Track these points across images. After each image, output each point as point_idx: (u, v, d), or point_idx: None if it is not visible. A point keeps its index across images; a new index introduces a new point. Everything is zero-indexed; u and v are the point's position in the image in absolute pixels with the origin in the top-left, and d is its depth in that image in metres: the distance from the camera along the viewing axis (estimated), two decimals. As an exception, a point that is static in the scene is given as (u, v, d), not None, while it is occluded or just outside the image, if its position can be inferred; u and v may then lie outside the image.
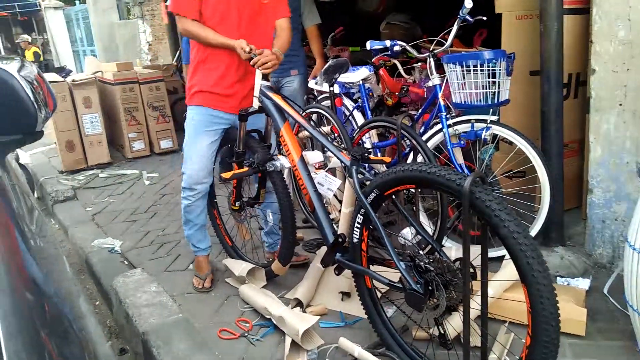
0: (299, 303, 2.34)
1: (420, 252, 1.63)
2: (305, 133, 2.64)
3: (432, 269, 1.56)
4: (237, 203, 2.53)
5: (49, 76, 5.32)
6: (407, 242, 1.77)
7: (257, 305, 2.33)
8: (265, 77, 2.20)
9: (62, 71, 10.63)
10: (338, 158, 1.91)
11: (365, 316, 2.22)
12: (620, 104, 2.20)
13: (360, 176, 1.80)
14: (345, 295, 2.38)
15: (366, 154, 1.82)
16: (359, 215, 1.82)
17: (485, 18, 2.44)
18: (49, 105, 1.41)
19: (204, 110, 2.39)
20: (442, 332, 1.76)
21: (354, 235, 1.86)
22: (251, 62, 2.15)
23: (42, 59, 14.72)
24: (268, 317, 2.25)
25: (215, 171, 2.63)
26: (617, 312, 2.15)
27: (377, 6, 6.04)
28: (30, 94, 1.29)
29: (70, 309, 0.98)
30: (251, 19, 2.31)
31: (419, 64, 3.49)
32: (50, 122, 5.14)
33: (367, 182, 1.79)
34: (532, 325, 1.39)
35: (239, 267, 2.57)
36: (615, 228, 2.40)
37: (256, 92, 2.22)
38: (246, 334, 2.20)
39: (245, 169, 2.21)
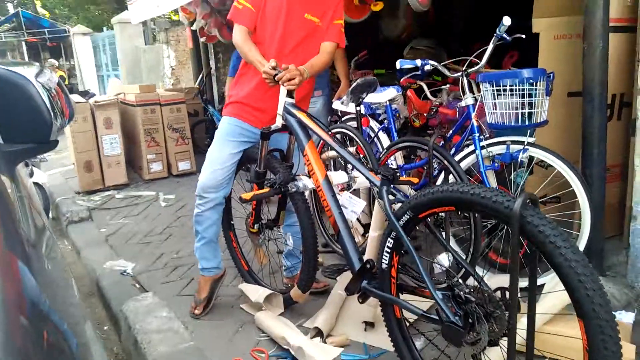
0: (318, 332, 2.18)
1: (460, 280, 1.47)
2: (329, 154, 2.52)
3: (473, 299, 1.40)
4: (255, 226, 2.40)
5: (73, 97, 5.35)
6: (444, 268, 1.60)
7: (274, 334, 2.18)
8: (290, 94, 2.10)
9: (86, 94, 10.78)
10: (368, 178, 1.77)
11: (392, 349, 2.05)
12: (671, 126, 2.04)
13: (391, 197, 1.66)
14: (369, 325, 2.21)
15: (398, 174, 1.68)
16: (389, 239, 1.67)
17: (523, 36, 2.32)
18: (65, 115, 1.34)
19: (234, 120, 2.38)
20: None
21: (383, 261, 1.71)
22: (275, 78, 2.07)
23: (67, 82, 15.06)
24: (286, 347, 2.08)
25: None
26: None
27: (401, 32, 5.98)
28: (47, 101, 1.21)
29: (75, 335, 0.88)
30: (302, 40, 2.29)
31: (447, 86, 3.38)
32: (70, 143, 5.14)
33: (399, 204, 1.65)
34: (591, 367, 1.21)
35: (256, 293, 2.42)
36: (663, 259, 2.21)
37: (280, 110, 2.12)
38: (262, 366, 2.04)
39: (266, 189, 2.09)
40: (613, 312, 1.18)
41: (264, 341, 2.22)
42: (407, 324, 1.82)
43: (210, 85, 6.58)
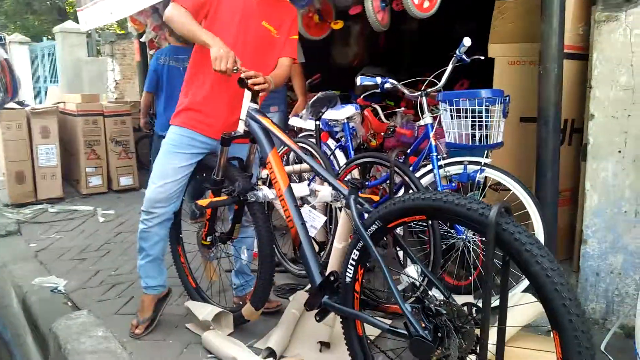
0: (271, 353, 2.05)
1: (430, 293, 1.41)
2: (289, 168, 2.45)
3: (444, 312, 1.35)
4: (208, 238, 2.26)
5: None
6: (413, 281, 1.55)
7: (223, 354, 2.03)
8: (254, 99, 2.02)
9: (21, 105, 10.19)
10: (335, 187, 1.71)
11: (349, 370, 1.96)
12: (620, 151, 2.13)
13: (359, 206, 1.60)
14: (325, 345, 2.11)
15: (365, 184, 1.62)
16: (354, 250, 1.60)
17: (483, 57, 2.38)
18: (8, 92, 1.21)
19: (183, 130, 2.20)
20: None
21: (347, 274, 1.63)
22: (242, 75, 1.96)
23: (-1, 93, 14.15)
24: (236, 369, 1.94)
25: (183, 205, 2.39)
26: (618, 373, 1.98)
27: (352, 59, 6.11)
28: None
29: (17, 345, 0.76)
30: (257, 48, 2.17)
31: (402, 109, 3.42)
32: (0, 151, 4.76)
33: (366, 215, 1.59)
34: (565, 381, 1.17)
35: (204, 311, 2.27)
36: (611, 281, 2.27)
37: (243, 115, 2.03)
38: (209, 390, 1.88)
39: (224, 197, 1.98)
40: (589, 325, 1.16)
41: (211, 363, 2.07)
42: (368, 341, 1.74)
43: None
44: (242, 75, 1.94)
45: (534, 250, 1.18)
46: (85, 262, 3.31)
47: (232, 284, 2.52)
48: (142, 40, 5.70)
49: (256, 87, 1.96)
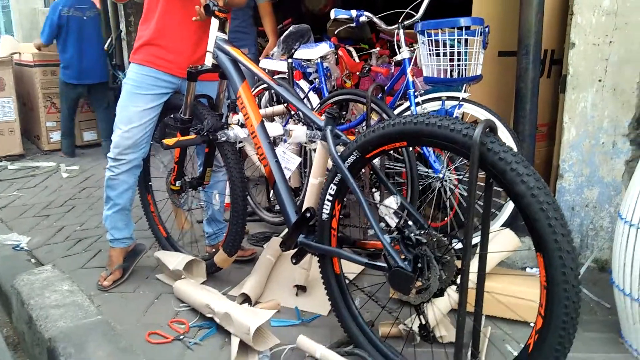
0: (246, 299, 1.99)
1: (410, 222, 1.34)
2: (261, 111, 2.31)
3: (424, 241, 1.28)
4: (177, 182, 2.14)
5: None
6: (391, 213, 1.47)
7: (196, 302, 1.95)
8: (222, 27, 1.86)
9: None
10: (310, 118, 1.60)
11: (326, 312, 1.92)
12: (600, 80, 2.07)
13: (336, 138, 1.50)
14: (301, 289, 2.06)
15: (343, 113, 1.52)
16: (331, 185, 1.51)
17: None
18: None
19: (143, 69, 2.04)
20: (425, 322, 1.48)
21: (324, 211, 1.55)
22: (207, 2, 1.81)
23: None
24: (210, 315, 1.87)
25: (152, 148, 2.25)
26: (592, 304, 2.01)
27: (323, 5, 5.90)
28: None
29: None
30: None
31: (377, 49, 3.29)
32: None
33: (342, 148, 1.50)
34: (547, 303, 1.13)
35: (175, 260, 2.17)
36: (585, 215, 2.26)
37: (210, 47, 1.87)
38: (182, 337, 1.81)
39: (193, 136, 1.84)
40: (574, 245, 1.11)
41: (184, 312, 1.99)
42: (347, 281, 1.68)
43: (120, 49, 5.99)
44: (207, 2, 1.79)
45: (519, 169, 1.11)
46: (49, 218, 3.16)
47: (204, 232, 2.43)
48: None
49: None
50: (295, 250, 1.71)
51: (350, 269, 1.97)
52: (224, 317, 1.78)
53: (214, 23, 1.85)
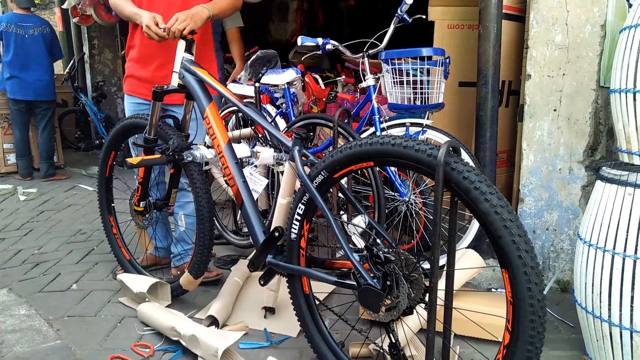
0: (213, 322, 1.96)
1: (378, 241, 1.37)
2: (228, 134, 2.32)
3: (393, 258, 1.31)
4: (141, 203, 2.11)
5: None
6: (357, 233, 1.50)
7: (162, 326, 1.90)
8: (188, 49, 1.88)
9: None
10: (278, 139, 1.62)
11: (295, 334, 1.91)
12: (555, 110, 2.19)
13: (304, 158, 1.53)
14: (269, 311, 2.04)
15: (311, 134, 1.56)
16: (299, 205, 1.53)
17: (424, 17, 2.36)
18: None
19: (128, 98, 2.28)
20: (395, 341, 1.50)
21: (292, 231, 1.56)
22: (169, 36, 1.88)
23: None
24: (175, 338, 1.83)
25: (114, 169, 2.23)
26: (556, 323, 2.07)
27: (290, 35, 6.04)
28: None
29: None
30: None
31: (342, 77, 3.38)
32: None
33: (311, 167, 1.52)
34: (513, 318, 1.17)
35: (138, 283, 2.12)
36: (547, 238, 2.35)
37: (176, 67, 1.89)
38: (146, 362, 1.76)
39: (157, 156, 1.83)
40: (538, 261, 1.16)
41: (148, 335, 1.94)
42: (317, 302, 1.69)
43: (83, 71, 5.92)
44: (169, 37, 1.88)
45: (482, 187, 1.16)
46: (4, 242, 3.03)
47: (170, 253, 2.39)
48: (64, 7, 5.29)
49: (181, 28, 1.84)
50: (264, 271, 1.71)
51: (320, 289, 1.98)
52: (190, 339, 1.75)
53: (180, 44, 1.88)
